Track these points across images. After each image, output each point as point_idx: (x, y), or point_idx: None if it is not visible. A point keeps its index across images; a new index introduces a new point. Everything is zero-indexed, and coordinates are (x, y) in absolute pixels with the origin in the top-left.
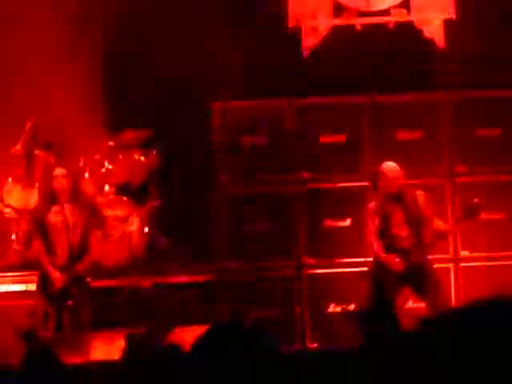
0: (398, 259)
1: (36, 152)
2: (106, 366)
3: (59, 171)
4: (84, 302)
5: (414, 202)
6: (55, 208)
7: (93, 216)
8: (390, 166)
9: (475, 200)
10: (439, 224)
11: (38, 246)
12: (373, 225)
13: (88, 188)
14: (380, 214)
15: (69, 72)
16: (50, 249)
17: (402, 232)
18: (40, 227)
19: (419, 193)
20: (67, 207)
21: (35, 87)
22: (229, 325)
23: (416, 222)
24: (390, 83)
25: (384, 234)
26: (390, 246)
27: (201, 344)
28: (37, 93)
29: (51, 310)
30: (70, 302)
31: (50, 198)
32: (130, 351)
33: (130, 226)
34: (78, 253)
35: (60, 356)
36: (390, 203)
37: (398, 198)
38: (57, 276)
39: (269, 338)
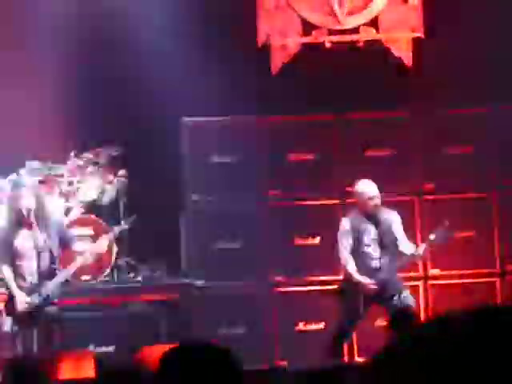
0: (369, 283)
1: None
2: None
3: (25, 191)
4: (53, 323)
5: (388, 223)
6: (23, 232)
7: (61, 235)
8: (367, 186)
9: (446, 222)
10: (410, 247)
11: (5, 270)
12: (346, 242)
13: (56, 207)
14: (353, 232)
15: (39, 86)
16: (17, 273)
17: (373, 252)
18: (7, 250)
19: (394, 214)
20: (35, 231)
21: (5, 106)
22: (194, 344)
23: (388, 243)
24: (360, 101)
25: (356, 251)
26: (362, 265)
27: (165, 363)
28: (7, 111)
29: (19, 331)
30: (38, 323)
31: (16, 219)
32: (101, 371)
33: (99, 244)
34: (47, 275)
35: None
36: (364, 222)
37: (372, 217)
38: (23, 300)
39: (233, 357)
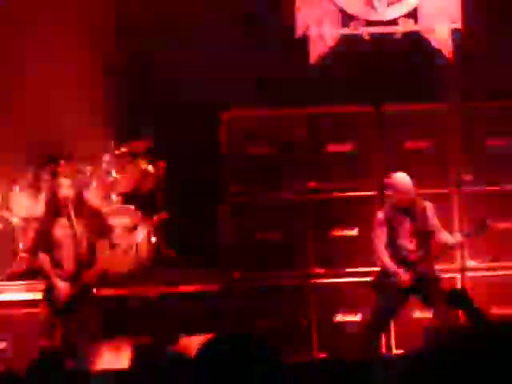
0: (405, 275)
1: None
2: (114, 375)
3: (64, 181)
4: (91, 312)
5: (423, 214)
6: (61, 221)
7: (99, 225)
8: (402, 178)
9: (486, 219)
10: (447, 238)
11: (43, 258)
12: (381, 234)
13: (94, 197)
14: (388, 225)
15: (77, 83)
16: (56, 261)
17: (409, 244)
18: (46, 239)
19: (428, 205)
20: (73, 220)
21: (43, 99)
22: (232, 335)
23: (424, 235)
24: (398, 93)
25: (392, 244)
26: (398, 257)
27: (203, 353)
28: (45, 104)
29: (57, 320)
30: (76, 313)
31: (55, 208)
32: (138, 360)
33: (137, 235)
34: (85, 264)
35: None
36: (399, 215)
37: (407, 209)
38: (63, 288)
39: (271, 348)
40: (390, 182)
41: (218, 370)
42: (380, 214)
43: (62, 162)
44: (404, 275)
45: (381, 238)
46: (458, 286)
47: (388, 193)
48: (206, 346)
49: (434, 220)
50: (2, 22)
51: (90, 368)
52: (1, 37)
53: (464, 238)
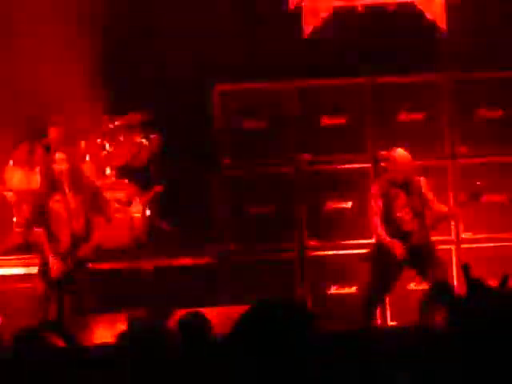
0: (401, 247)
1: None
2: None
3: (59, 155)
4: (85, 287)
5: (418, 186)
6: (57, 196)
7: (94, 200)
8: (401, 153)
9: (478, 183)
10: (441, 207)
11: (39, 233)
12: (376, 207)
13: (89, 171)
14: (384, 197)
15: (70, 56)
16: (52, 236)
17: (405, 215)
18: (41, 214)
19: (422, 179)
20: (68, 194)
21: (37, 72)
22: (275, 301)
23: (419, 207)
24: (391, 65)
25: (387, 217)
26: (393, 229)
27: (246, 319)
28: (38, 78)
29: (52, 295)
30: (71, 287)
31: (50, 182)
32: (133, 334)
33: (131, 209)
34: (81, 238)
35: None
36: (394, 188)
37: (401, 182)
38: (57, 264)
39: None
40: (389, 156)
41: (264, 340)
42: (374, 188)
43: (56, 135)
44: (400, 247)
45: (376, 211)
46: (453, 257)
47: (383, 165)
48: (246, 317)
49: (428, 193)
50: None
51: (83, 343)
52: None
53: (458, 207)
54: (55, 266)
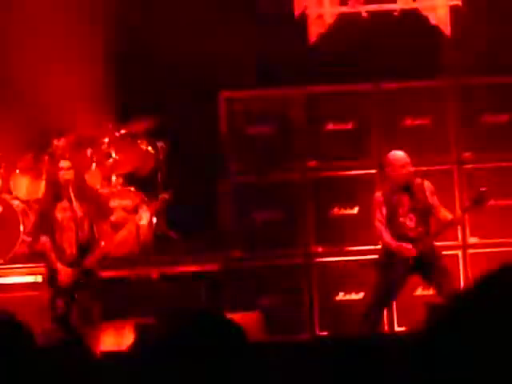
0: (409, 247)
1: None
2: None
3: (64, 164)
4: (93, 295)
5: (422, 191)
6: (62, 204)
7: (100, 208)
8: (397, 155)
9: (482, 188)
10: (446, 215)
11: (45, 241)
12: (380, 214)
13: (94, 179)
14: (387, 204)
15: (77, 62)
16: (57, 245)
17: (409, 221)
18: (47, 223)
19: (426, 182)
20: (74, 203)
21: (44, 79)
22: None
23: (423, 212)
24: (397, 70)
25: (391, 223)
26: (398, 236)
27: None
28: (45, 87)
29: (59, 304)
30: (78, 295)
31: (55, 191)
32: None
33: (138, 216)
34: (87, 247)
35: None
36: (398, 193)
37: (405, 187)
38: (64, 272)
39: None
40: (386, 161)
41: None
42: (378, 194)
43: (62, 144)
44: (408, 248)
45: (380, 218)
46: (460, 263)
47: (386, 170)
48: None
49: (432, 198)
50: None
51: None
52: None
53: (464, 212)
54: (63, 272)
